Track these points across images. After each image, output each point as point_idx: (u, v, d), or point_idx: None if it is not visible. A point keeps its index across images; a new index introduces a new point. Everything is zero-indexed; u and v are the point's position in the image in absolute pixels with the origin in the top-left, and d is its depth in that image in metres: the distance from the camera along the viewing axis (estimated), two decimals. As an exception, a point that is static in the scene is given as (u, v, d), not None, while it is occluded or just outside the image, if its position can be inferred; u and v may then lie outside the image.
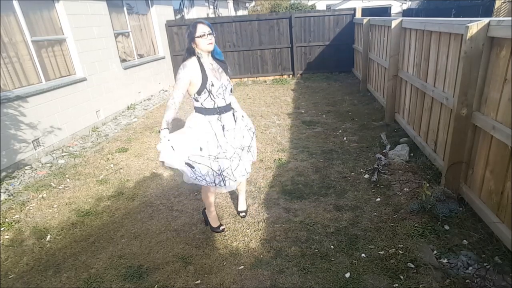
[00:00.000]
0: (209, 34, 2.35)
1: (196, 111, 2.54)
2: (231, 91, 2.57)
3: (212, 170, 2.51)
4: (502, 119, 2.28)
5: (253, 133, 2.79)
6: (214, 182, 2.54)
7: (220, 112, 2.52)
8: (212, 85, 2.41)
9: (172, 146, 2.38)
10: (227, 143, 2.55)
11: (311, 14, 9.20)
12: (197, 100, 2.49)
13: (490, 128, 2.38)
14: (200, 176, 2.51)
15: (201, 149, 2.47)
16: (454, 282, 2.10)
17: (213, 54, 2.50)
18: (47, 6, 5.30)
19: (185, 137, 2.48)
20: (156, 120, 6.45)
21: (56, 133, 5.15)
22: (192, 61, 2.40)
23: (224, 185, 2.59)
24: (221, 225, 2.90)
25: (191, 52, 2.42)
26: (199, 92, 2.42)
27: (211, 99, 2.45)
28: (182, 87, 2.39)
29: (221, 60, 2.55)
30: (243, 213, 3.06)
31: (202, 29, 2.33)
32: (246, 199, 3.21)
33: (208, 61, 2.46)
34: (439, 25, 3.26)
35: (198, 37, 2.34)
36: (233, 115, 2.63)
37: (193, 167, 2.48)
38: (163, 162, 2.42)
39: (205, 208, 2.92)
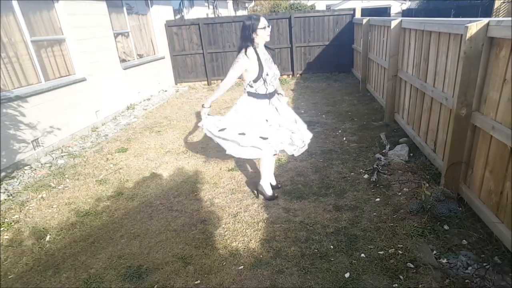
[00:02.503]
0: (268, 26, 2.69)
1: (248, 95, 2.89)
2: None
3: (280, 137, 2.92)
4: (502, 119, 2.29)
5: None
6: (287, 143, 2.95)
7: (270, 97, 2.89)
8: (267, 74, 2.76)
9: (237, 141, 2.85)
10: (282, 119, 2.92)
11: (311, 14, 9.20)
12: (251, 86, 2.82)
13: (490, 128, 2.38)
14: (276, 144, 2.89)
15: (267, 120, 2.86)
16: (454, 282, 2.10)
17: (265, 44, 2.83)
18: (46, 6, 5.29)
19: (248, 121, 2.86)
20: (155, 120, 6.45)
21: (55, 133, 5.14)
22: (252, 51, 2.71)
23: (292, 146, 2.98)
24: (275, 193, 3.28)
25: (249, 42, 2.71)
26: (255, 80, 2.76)
27: (265, 86, 2.79)
28: (238, 73, 2.76)
29: (270, 48, 2.91)
30: (279, 184, 3.47)
31: (264, 22, 2.66)
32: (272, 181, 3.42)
33: (262, 51, 2.79)
34: (438, 25, 3.26)
35: (261, 28, 2.65)
36: (278, 98, 3.00)
37: (267, 138, 2.85)
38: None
39: (259, 182, 3.25)
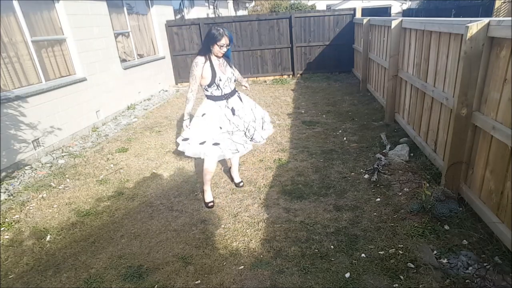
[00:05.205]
0: (227, 46, 2.87)
1: (207, 99, 3.06)
2: (235, 80, 3.10)
3: (233, 141, 3.04)
4: (502, 119, 2.29)
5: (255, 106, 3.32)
6: (237, 150, 3.05)
7: (227, 97, 3.05)
8: (220, 79, 2.93)
9: (187, 138, 3.03)
10: (240, 119, 3.09)
11: (311, 14, 9.20)
12: (207, 90, 3.02)
13: (490, 128, 2.38)
14: (226, 149, 3.00)
15: (220, 128, 3.01)
16: (454, 282, 2.10)
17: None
18: (47, 6, 5.29)
19: (204, 124, 3.00)
20: (156, 120, 6.45)
21: (56, 133, 5.14)
22: (204, 58, 2.89)
23: (244, 148, 3.12)
24: (212, 202, 3.28)
25: (206, 50, 2.90)
26: (209, 85, 2.95)
27: (219, 89, 2.98)
28: (197, 81, 2.93)
29: (225, 55, 3.04)
30: (242, 183, 3.59)
31: (225, 41, 2.83)
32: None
33: (215, 57, 2.96)
34: (439, 25, 3.26)
35: (219, 45, 2.83)
36: (239, 97, 3.17)
37: (219, 143, 2.97)
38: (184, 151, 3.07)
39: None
